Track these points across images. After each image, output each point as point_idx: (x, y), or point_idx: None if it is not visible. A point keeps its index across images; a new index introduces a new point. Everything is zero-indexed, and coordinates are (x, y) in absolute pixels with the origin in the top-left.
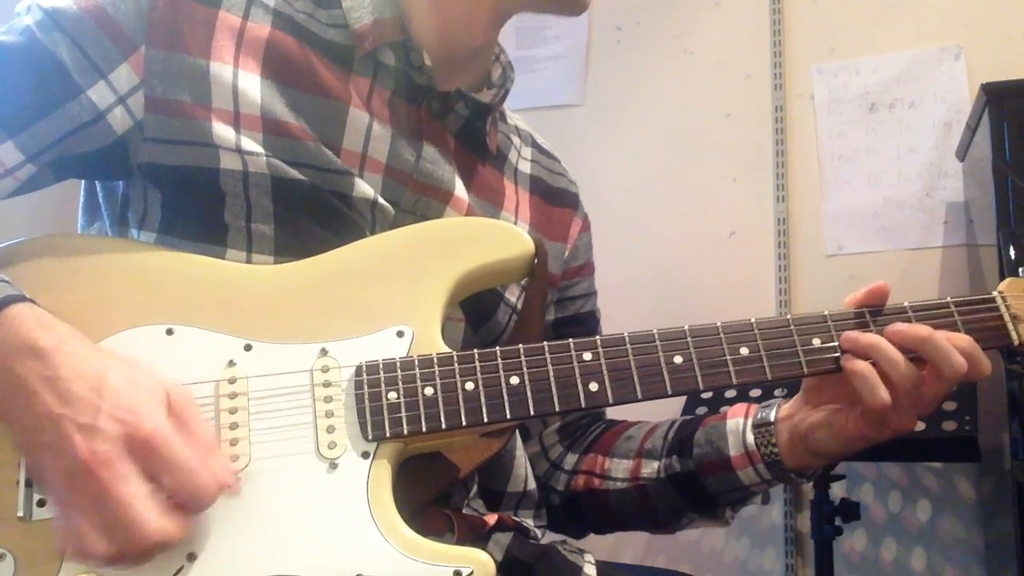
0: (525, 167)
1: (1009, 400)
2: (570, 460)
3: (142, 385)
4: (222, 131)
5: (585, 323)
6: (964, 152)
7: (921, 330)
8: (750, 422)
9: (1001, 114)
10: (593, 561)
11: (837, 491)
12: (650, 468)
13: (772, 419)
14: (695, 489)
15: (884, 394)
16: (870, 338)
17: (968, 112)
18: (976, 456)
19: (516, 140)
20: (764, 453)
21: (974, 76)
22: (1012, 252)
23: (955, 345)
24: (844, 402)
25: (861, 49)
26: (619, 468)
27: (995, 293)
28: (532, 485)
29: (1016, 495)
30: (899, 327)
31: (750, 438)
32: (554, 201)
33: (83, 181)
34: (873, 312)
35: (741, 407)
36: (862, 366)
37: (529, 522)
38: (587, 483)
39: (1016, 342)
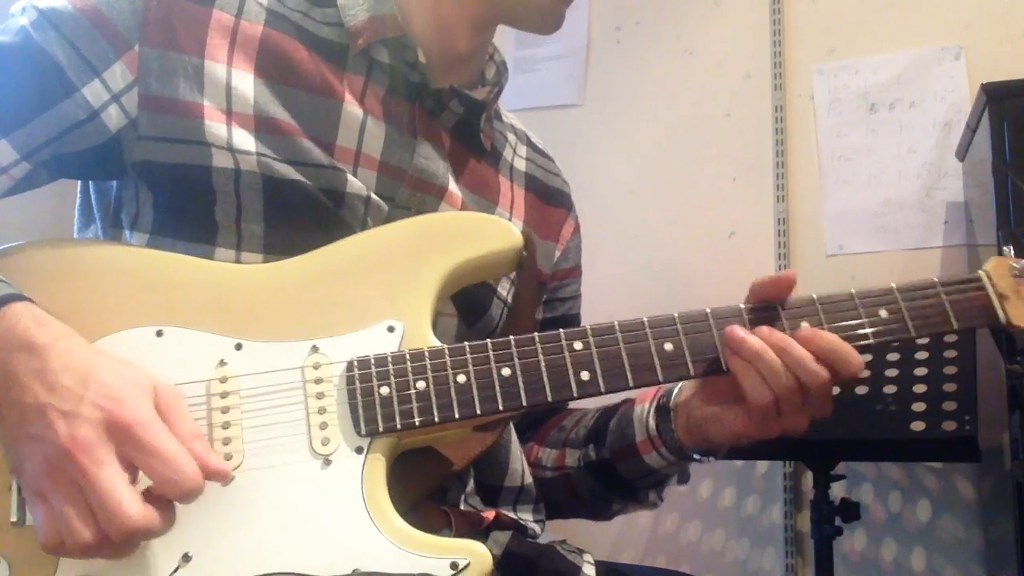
0: (520, 165)
1: (1009, 400)
2: None
3: (129, 378)
4: (215, 129)
5: (571, 325)
6: (964, 152)
7: (780, 340)
8: (653, 406)
9: (1001, 114)
10: (592, 561)
11: (837, 491)
12: (572, 457)
13: (671, 405)
14: (612, 476)
15: (767, 393)
16: (753, 345)
17: (968, 112)
18: (976, 456)
19: (511, 137)
20: (665, 439)
21: (974, 76)
22: (1012, 252)
23: (818, 346)
24: (733, 395)
25: (861, 49)
26: (548, 458)
27: (981, 272)
28: (529, 480)
29: (1016, 495)
30: (764, 332)
31: (652, 423)
32: (548, 200)
33: (79, 183)
34: (861, 295)
35: (651, 391)
36: (747, 365)
37: (528, 517)
38: None
39: (1004, 320)
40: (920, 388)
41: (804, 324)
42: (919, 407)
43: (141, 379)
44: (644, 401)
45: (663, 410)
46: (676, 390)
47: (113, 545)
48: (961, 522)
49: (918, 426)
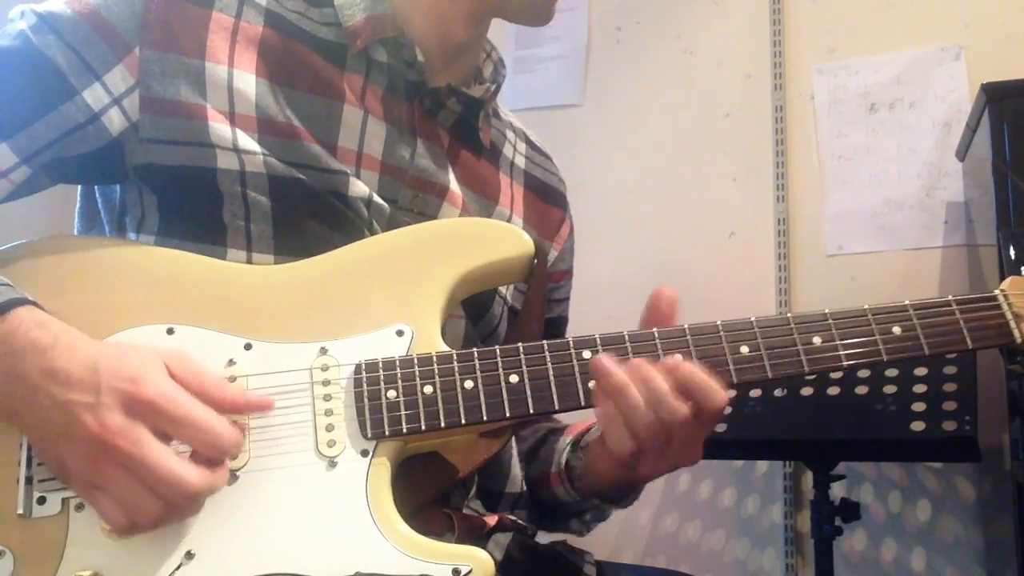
0: (520, 163)
1: (1009, 400)
2: None
3: (136, 356)
4: (219, 130)
5: (560, 327)
6: (964, 152)
7: (645, 372)
8: (570, 440)
9: (1001, 114)
10: (593, 561)
11: (837, 491)
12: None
13: (583, 443)
14: (534, 497)
15: (629, 444)
16: (619, 380)
17: (968, 112)
18: (976, 456)
19: (511, 135)
20: (571, 475)
21: (974, 76)
22: (1012, 252)
23: (679, 376)
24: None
25: (861, 49)
26: None
27: (997, 292)
28: None
29: (1016, 495)
30: (634, 363)
31: (563, 458)
32: (547, 199)
33: (80, 188)
34: (875, 311)
35: (583, 424)
36: (608, 409)
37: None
38: None
39: (1019, 340)
40: (920, 388)
41: (678, 356)
42: (919, 407)
43: (147, 354)
44: (571, 433)
45: (575, 446)
46: (594, 428)
47: (180, 510)
48: (961, 522)
49: (918, 426)
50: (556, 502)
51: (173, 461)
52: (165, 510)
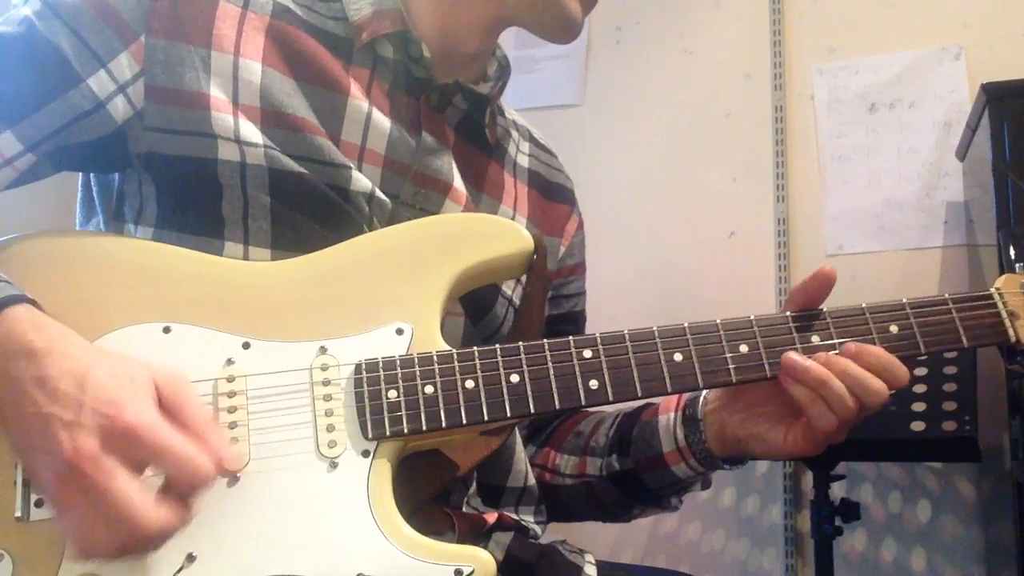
0: (524, 161)
1: (1009, 400)
2: (528, 452)
3: (126, 377)
4: (221, 120)
5: (576, 321)
6: (964, 152)
7: (840, 363)
8: (679, 417)
9: (1001, 114)
10: (593, 561)
11: (837, 491)
12: (594, 466)
13: (699, 415)
14: (636, 485)
15: (833, 419)
16: (820, 373)
17: (968, 112)
18: (976, 456)
19: (515, 134)
20: (695, 450)
21: (974, 76)
22: (1012, 252)
23: (870, 363)
24: (770, 410)
25: (861, 49)
26: (567, 464)
27: (992, 290)
28: (532, 481)
29: (1016, 495)
30: (821, 357)
31: (680, 434)
32: (552, 196)
33: (81, 176)
34: (873, 309)
35: (673, 399)
36: (811, 394)
37: (529, 519)
38: (540, 476)
39: (1014, 339)
40: (920, 388)
41: (852, 345)
42: (919, 407)
43: (139, 376)
44: (669, 411)
45: (690, 420)
46: (701, 400)
47: (132, 551)
48: (961, 522)
49: (918, 426)
50: (668, 481)
51: (136, 500)
52: (118, 547)
